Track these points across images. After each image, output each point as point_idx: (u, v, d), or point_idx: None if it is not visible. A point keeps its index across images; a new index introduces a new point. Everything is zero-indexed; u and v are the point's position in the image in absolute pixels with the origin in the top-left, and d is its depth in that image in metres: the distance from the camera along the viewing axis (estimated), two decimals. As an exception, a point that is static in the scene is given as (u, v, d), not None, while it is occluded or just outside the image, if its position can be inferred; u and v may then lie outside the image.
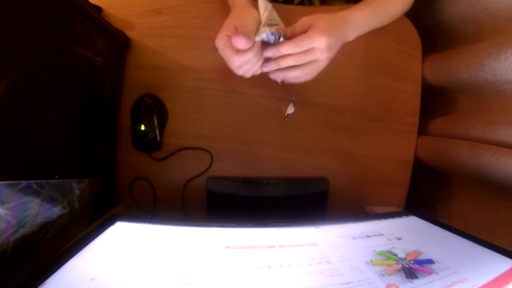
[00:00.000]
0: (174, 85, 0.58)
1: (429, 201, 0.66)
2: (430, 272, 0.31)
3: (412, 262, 0.33)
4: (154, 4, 0.58)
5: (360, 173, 0.64)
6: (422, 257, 0.34)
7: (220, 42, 0.43)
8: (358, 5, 0.52)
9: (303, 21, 0.44)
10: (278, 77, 0.50)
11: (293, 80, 0.49)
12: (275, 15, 0.51)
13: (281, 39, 0.45)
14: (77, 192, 0.44)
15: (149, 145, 0.56)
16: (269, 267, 0.32)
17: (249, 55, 0.43)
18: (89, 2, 0.48)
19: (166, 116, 0.58)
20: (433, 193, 0.66)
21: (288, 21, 0.61)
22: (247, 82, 0.59)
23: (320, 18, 0.44)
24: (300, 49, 0.43)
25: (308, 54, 0.44)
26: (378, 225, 0.43)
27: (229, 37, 0.42)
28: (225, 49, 0.43)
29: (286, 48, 0.43)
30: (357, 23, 0.49)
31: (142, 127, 0.55)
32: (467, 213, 0.56)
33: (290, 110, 0.60)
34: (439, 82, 0.63)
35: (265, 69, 0.48)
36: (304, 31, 0.43)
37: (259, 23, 0.45)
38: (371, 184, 0.64)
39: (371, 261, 0.33)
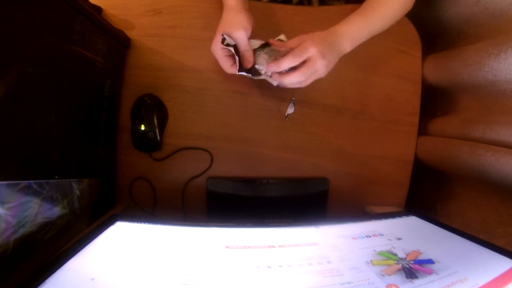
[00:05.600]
0: (174, 85, 0.58)
1: (429, 201, 0.66)
2: (430, 272, 0.31)
3: (412, 262, 0.33)
4: (154, 4, 0.58)
5: (360, 173, 0.64)
6: (422, 257, 0.34)
7: (218, 53, 0.49)
8: (351, 17, 0.53)
9: (296, 38, 0.48)
10: (275, 80, 0.51)
11: (289, 86, 0.50)
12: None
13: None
14: (77, 192, 0.44)
15: (149, 145, 0.56)
16: (269, 267, 0.32)
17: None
18: (89, 2, 0.48)
19: (166, 116, 0.58)
20: (433, 193, 0.66)
21: (288, 20, 0.61)
22: (247, 82, 0.59)
23: (311, 34, 0.47)
24: (298, 59, 0.45)
25: (308, 65, 0.46)
26: (378, 225, 0.43)
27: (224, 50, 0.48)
28: (223, 60, 0.49)
29: (286, 62, 0.46)
30: (350, 34, 0.51)
31: (142, 127, 0.55)
32: (467, 213, 0.56)
33: (290, 110, 0.60)
34: (439, 82, 0.63)
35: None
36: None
37: (250, 27, 0.49)
38: (371, 184, 0.64)
39: (371, 261, 0.33)
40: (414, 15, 0.62)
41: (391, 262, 0.33)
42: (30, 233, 0.34)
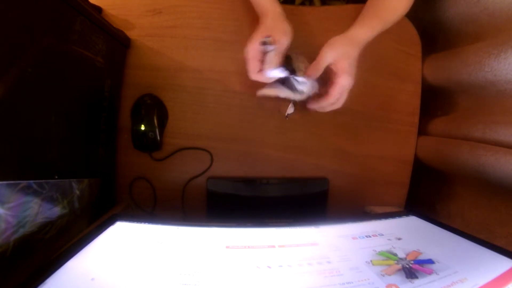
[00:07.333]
0: (174, 85, 0.58)
1: (429, 201, 0.66)
2: (430, 272, 0.31)
3: (412, 262, 0.33)
4: (154, 4, 0.58)
5: (360, 173, 0.64)
6: (422, 257, 0.34)
7: (252, 53, 0.48)
8: (368, 21, 0.54)
9: (326, 58, 0.49)
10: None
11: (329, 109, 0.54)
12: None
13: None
14: (77, 192, 0.44)
15: (149, 145, 0.56)
16: (269, 267, 0.32)
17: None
18: (89, 2, 0.48)
19: (166, 116, 0.58)
20: (433, 193, 0.66)
21: (289, 20, 0.61)
22: (247, 82, 0.59)
23: (341, 57, 0.49)
24: (337, 96, 0.50)
25: (343, 96, 0.51)
26: (378, 225, 0.43)
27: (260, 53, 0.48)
28: (252, 62, 0.49)
29: (328, 101, 0.51)
30: (368, 38, 0.53)
31: (142, 127, 0.55)
32: (467, 213, 0.56)
33: (290, 110, 0.60)
34: (439, 82, 0.63)
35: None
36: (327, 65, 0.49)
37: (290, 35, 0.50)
38: (371, 184, 0.64)
39: (371, 261, 0.33)
40: (414, 15, 0.62)
41: (391, 262, 0.33)
42: (30, 233, 0.34)
